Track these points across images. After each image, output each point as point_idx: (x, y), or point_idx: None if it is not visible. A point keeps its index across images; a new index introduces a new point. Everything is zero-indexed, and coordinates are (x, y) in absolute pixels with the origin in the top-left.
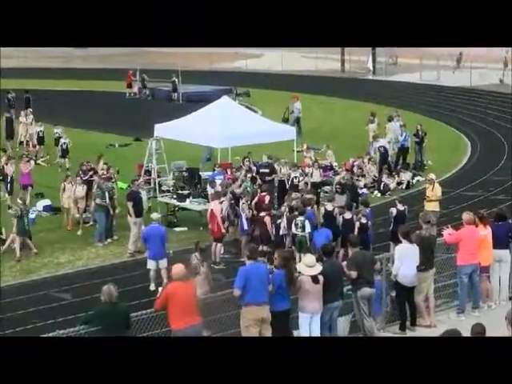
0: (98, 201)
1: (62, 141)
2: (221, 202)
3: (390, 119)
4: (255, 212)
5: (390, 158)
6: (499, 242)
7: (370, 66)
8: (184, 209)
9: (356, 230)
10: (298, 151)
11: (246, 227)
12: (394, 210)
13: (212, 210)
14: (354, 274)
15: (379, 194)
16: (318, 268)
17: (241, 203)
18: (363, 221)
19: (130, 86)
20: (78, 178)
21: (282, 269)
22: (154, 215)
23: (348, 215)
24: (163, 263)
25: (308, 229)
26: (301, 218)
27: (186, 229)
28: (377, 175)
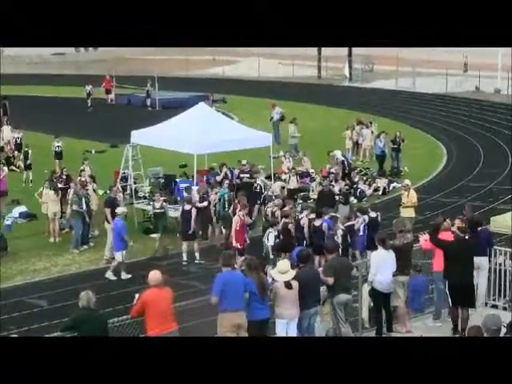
0: (74, 207)
1: (29, 153)
2: (192, 208)
3: (367, 126)
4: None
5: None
6: (478, 249)
7: (347, 72)
8: None
9: (340, 237)
10: (274, 157)
11: None
12: (366, 218)
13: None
14: (330, 280)
15: (355, 201)
16: (292, 274)
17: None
18: (342, 228)
19: (108, 91)
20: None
21: (249, 276)
22: (119, 209)
23: (318, 222)
24: (116, 255)
25: (271, 241)
26: (270, 230)
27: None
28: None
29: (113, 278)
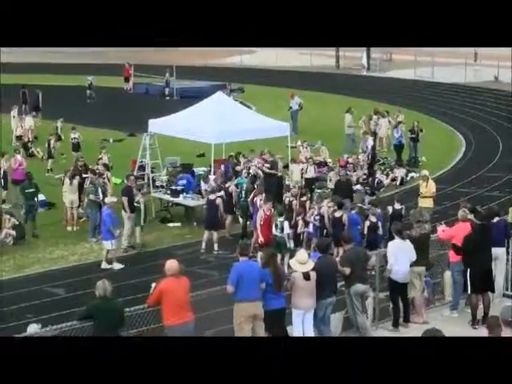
0: (91, 197)
1: (52, 141)
2: (216, 197)
3: (383, 115)
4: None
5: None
6: (495, 240)
7: (365, 62)
8: (178, 204)
9: (366, 229)
10: (292, 147)
11: None
12: (389, 209)
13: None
14: (347, 270)
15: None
16: (310, 265)
17: (258, 199)
18: (373, 220)
19: (127, 79)
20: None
21: (266, 266)
22: (108, 199)
23: (338, 214)
24: (105, 244)
25: (286, 230)
26: (280, 219)
27: (179, 224)
28: (366, 173)
29: (119, 266)
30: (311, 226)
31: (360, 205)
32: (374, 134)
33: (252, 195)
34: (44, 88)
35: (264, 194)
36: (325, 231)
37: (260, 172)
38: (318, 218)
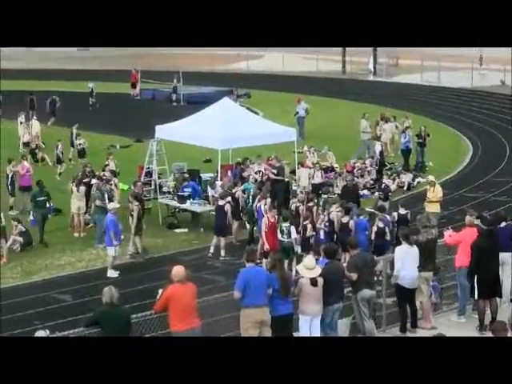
0: (97, 202)
1: (60, 146)
2: (225, 203)
3: (387, 120)
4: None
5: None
6: (503, 245)
7: (371, 67)
8: (184, 210)
9: (373, 234)
10: (298, 152)
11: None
12: (395, 214)
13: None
14: (354, 276)
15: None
16: (318, 270)
17: (262, 205)
18: (380, 225)
19: (134, 85)
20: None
21: (272, 270)
22: (111, 205)
23: (345, 219)
24: (108, 250)
25: (294, 235)
26: (286, 224)
27: (186, 230)
28: (374, 177)
29: (114, 275)
30: (321, 232)
31: (372, 210)
32: (379, 139)
33: (256, 201)
34: (49, 94)
35: (269, 200)
36: (334, 236)
37: (259, 178)
38: (327, 224)
